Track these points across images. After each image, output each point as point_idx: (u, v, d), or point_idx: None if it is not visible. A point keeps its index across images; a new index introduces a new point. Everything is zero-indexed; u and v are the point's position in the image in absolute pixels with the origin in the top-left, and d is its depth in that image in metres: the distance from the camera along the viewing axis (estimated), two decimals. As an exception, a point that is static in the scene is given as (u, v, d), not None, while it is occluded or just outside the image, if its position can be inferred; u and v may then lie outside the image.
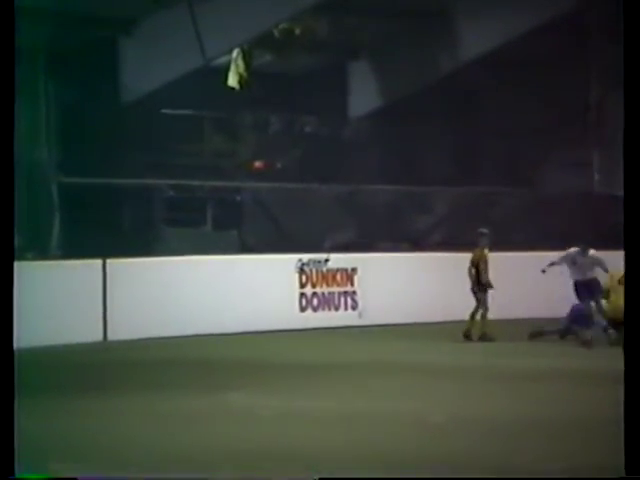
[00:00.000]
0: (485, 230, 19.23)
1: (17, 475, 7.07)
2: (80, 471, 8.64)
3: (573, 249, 18.74)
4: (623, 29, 7.37)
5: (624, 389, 6.96)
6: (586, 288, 18.31)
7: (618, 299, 16.59)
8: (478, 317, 18.90)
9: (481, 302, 18.88)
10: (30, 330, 16.85)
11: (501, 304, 19.36)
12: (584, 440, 9.80)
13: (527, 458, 9.02)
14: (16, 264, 18.87)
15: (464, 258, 19.55)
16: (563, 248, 19.12)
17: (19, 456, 7.02)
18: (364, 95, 25.68)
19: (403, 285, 21.98)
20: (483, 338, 18.63)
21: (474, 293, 19.01)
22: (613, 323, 17.31)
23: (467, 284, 19.39)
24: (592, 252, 18.66)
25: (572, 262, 18.54)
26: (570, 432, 10.21)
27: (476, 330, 18.79)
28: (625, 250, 7.25)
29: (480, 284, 18.90)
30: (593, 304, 18.30)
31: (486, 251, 19.05)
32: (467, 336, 18.75)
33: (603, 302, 18.27)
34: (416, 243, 24.39)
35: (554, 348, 17.55)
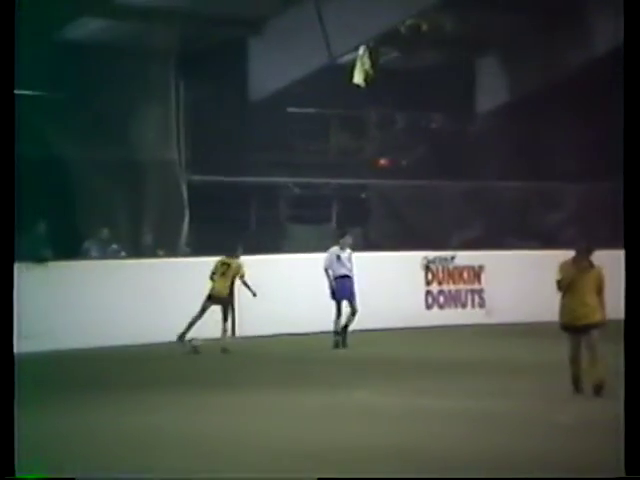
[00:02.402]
0: None
1: (17, 475, 7.15)
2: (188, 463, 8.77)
3: None
4: (624, 29, 7.36)
5: (624, 389, 6.91)
6: None
7: None
8: None
9: None
10: (163, 326, 17.23)
11: None
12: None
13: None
14: (147, 262, 19.38)
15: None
16: None
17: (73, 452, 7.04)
18: (491, 91, 25.39)
19: (531, 283, 21.65)
20: None
21: None
22: None
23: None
24: None
25: None
26: None
27: None
28: (625, 250, 7.17)
29: None
30: None
31: None
32: None
33: None
34: (545, 240, 24.01)
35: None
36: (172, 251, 20.84)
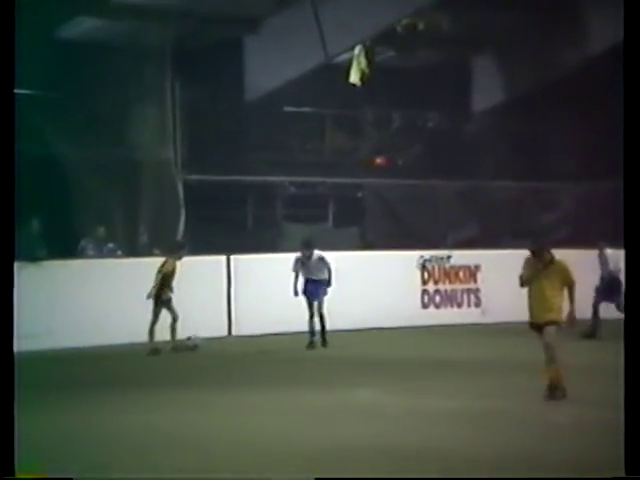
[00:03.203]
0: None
1: (17, 475, 7.14)
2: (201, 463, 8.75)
3: None
4: (624, 27, 7.36)
5: (624, 388, 6.91)
6: None
7: None
8: None
9: None
10: (159, 325, 17.20)
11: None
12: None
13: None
14: (143, 260, 19.39)
15: (590, 255, 19.21)
16: None
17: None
18: (488, 90, 25.40)
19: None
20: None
21: None
22: None
23: (594, 282, 19.08)
24: None
25: None
26: None
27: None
28: (625, 250, 7.17)
29: None
30: None
31: None
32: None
33: None
34: (541, 240, 23.97)
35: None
36: (168, 250, 20.80)
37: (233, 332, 19.44)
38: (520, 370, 14.80)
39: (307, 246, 18.12)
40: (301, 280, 17.86)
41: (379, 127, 25.72)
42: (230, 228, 21.96)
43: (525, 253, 23.54)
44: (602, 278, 19.21)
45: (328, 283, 17.95)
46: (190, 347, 17.39)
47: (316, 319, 17.85)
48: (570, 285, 12.10)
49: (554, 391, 11.78)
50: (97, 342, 17.45)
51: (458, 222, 24.42)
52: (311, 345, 17.63)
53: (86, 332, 17.60)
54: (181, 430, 10.56)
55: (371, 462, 8.98)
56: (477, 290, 22.11)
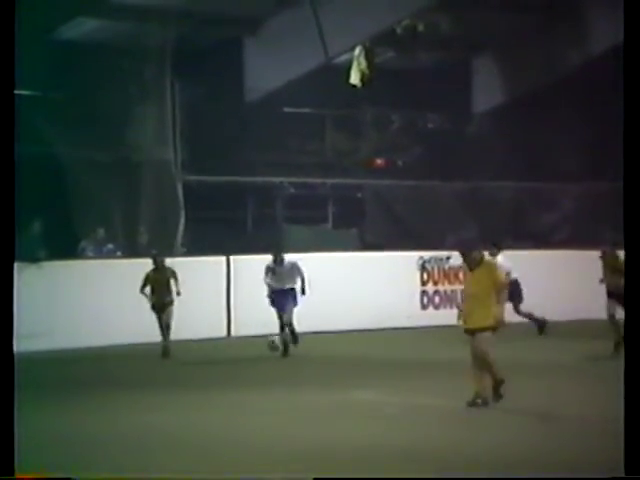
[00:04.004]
0: None
1: (17, 475, 7.14)
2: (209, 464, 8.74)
3: None
4: (624, 28, 7.37)
5: (624, 389, 6.91)
6: None
7: None
8: None
9: None
10: (156, 326, 17.20)
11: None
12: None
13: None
14: (143, 261, 19.28)
15: (590, 256, 19.17)
16: None
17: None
18: (488, 91, 25.41)
19: (527, 283, 21.64)
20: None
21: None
22: None
23: (593, 282, 19.04)
24: None
25: None
26: None
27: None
28: (625, 250, 7.17)
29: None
30: None
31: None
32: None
33: None
34: (541, 240, 24.03)
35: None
36: (168, 251, 20.81)
37: (232, 333, 19.43)
38: (519, 370, 14.80)
39: (278, 252, 17.20)
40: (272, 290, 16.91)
41: (379, 128, 25.72)
42: (230, 229, 21.96)
43: (525, 254, 23.59)
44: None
45: (302, 292, 16.87)
46: (275, 348, 16.62)
47: (286, 330, 16.76)
48: (499, 287, 11.54)
49: (476, 400, 11.38)
50: (97, 342, 17.46)
51: (458, 223, 24.41)
52: (285, 354, 16.64)
53: (86, 332, 17.61)
54: (181, 430, 10.56)
55: (370, 462, 8.98)
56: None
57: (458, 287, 22.05)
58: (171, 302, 17.05)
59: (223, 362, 16.52)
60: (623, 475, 6.97)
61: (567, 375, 14.26)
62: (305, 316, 18.43)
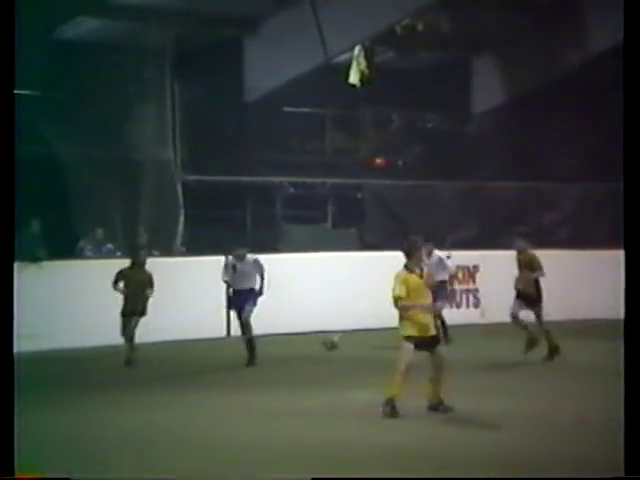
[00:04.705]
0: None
1: (17, 475, 7.14)
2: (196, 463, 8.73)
3: None
4: (624, 27, 7.36)
5: (624, 388, 6.91)
6: None
7: None
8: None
9: None
10: (155, 326, 17.19)
11: None
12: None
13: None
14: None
15: (591, 256, 19.20)
16: None
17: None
18: (488, 91, 25.41)
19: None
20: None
21: None
22: None
23: (593, 282, 19.07)
24: None
25: None
26: None
27: None
28: (625, 250, 7.16)
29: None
30: None
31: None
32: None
33: None
34: (540, 241, 24.00)
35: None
36: (167, 251, 20.81)
37: (232, 333, 19.41)
38: (519, 370, 14.82)
39: (239, 247, 16.31)
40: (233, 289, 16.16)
41: (379, 127, 25.73)
42: (229, 229, 21.94)
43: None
44: None
45: (260, 292, 15.95)
46: (332, 346, 15.67)
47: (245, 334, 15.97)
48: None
49: (437, 407, 11.23)
50: (97, 342, 17.43)
51: (458, 223, 24.40)
52: (250, 362, 15.85)
53: (86, 332, 17.59)
54: (181, 430, 10.56)
55: (370, 462, 8.98)
56: (476, 291, 22.10)
57: (458, 287, 22.07)
58: (143, 311, 16.05)
59: (223, 362, 16.50)
60: (623, 475, 6.97)
61: (567, 375, 14.26)
62: (305, 316, 18.50)
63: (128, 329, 16.04)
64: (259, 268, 16.07)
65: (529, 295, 16.41)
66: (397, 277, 11.41)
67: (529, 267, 16.51)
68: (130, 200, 20.82)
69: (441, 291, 17.16)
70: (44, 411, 11.53)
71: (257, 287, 16.00)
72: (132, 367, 15.76)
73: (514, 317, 16.29)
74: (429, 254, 17.14)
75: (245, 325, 16.01)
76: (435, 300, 16.05)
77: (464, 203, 24.67)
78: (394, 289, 11.33)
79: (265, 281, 16.04)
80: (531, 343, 16.09)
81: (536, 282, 16.51)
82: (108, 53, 20.58)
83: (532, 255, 16.66)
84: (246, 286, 15.99)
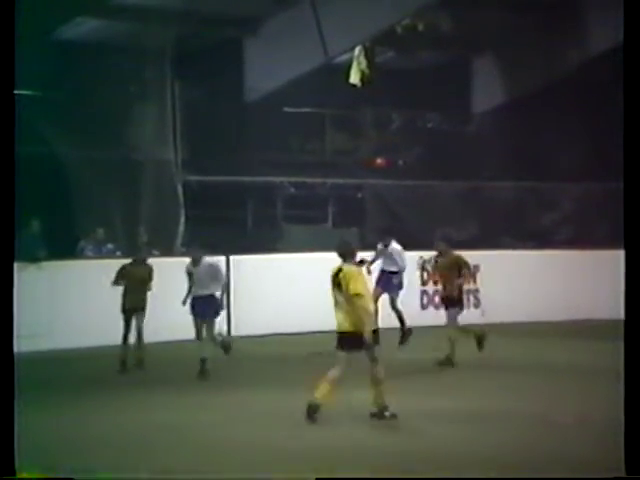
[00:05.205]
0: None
1: (17, 475, 7.15)
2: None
3: None
4: (624, 27, 7.37)
5: (624, 389, 6.91)
6: None
7: None
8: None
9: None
10: (156, 326, 17.19)
11: None
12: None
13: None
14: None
15: (591, 256, 19.21)
16: None
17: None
18: (488, 91, 25.42)
19: (527, 283, 21.69)
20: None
21: None
22: None
23: (593, 282, 19.07)
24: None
25: None
26: None
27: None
28: (625, 250, 7.17)
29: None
30: None
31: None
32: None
33: None
34: (541, 241, 24.04)
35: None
36: (168, 251, 20.82)
37: (233, 333, 19.42)
38: (519, 370, 14.82)
39: (194, 250, 15.33)
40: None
41: (379, 127, 25.73)
42: (230, 229, 21.95)
43: (524, 254, 23.55)
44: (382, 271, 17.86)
45: (219, 302, 14.79)
46: (226, 347, 15.34)
47: (208, 344, 14.91)
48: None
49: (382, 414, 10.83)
50: (97, 342, 17.44)
51: (458, 223, 24.41)
52: (202, 374, 14.64)
53: (86, 332, 17.60)
54: (181, 430, 10.56)
55: (370, 462, 8.98)
56: (476, 291, 22.10)
57: (458, 287, 22.08)
58: (144, 307, 15.70)
59: (223, 362, 16.49)
60: (623, 475, 6.98)
61: (567, 375, 14.26)
62: (305, 316, 18.50)
63: (137, 324, 15.58)
64: (217, 273, 14.86)
65: (452, 298, 15.96)
66: (359, 273, 11.25)
67: (453, 268, 15.84)
68: (130, 200, 20.83)
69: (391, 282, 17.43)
70: (44, 411, 11.53)
71: (217, 294, 14.80)
72: (141, 368, 15.45)
73: (453, 327, 15.72)
74: (386, 247, 17.75)
75: (210, 337, 14.90)
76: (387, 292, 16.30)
77: (464, 203, 24.67)
78: (357, 286, 11.10)
79: (224, 289, 14.93)
80: (480, 339, 15.83)
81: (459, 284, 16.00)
82: (108, 53, 20.59)
83: (456, 256, 15.99)
84: (203, 293, 14.75)
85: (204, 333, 14.92)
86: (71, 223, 20.43)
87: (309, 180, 23.99)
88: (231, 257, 19.76)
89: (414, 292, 21.62)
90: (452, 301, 15.94)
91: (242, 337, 18.99)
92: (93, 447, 9.77)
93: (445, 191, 24.57)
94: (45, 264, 17.98)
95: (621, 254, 7.54)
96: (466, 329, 15.99)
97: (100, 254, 20.28)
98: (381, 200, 24.57)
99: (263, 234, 22.57)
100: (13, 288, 7.31)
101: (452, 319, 15.90)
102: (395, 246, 18.16)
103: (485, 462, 8.92)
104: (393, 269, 18.02)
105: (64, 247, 19.58)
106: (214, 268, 14.90)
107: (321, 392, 10.87)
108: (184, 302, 15.07)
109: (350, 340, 10.86)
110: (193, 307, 14.98)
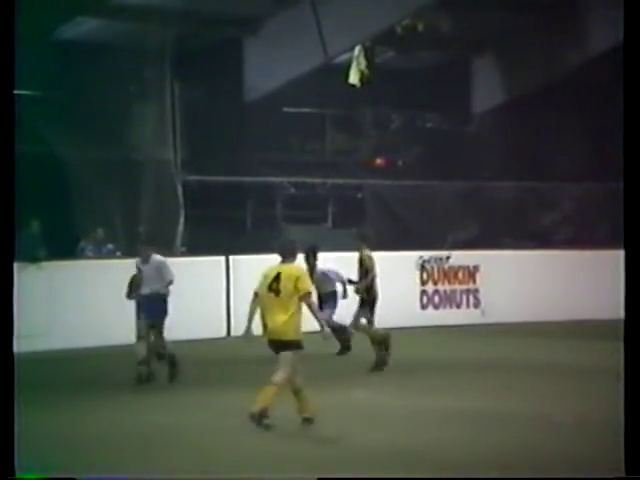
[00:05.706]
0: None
1: (17, 475, 7.15)
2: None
3: None
4: (624, 27, 7.37)
5: (624, 389, 6.92)
6: None
7: None
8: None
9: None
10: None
11: None
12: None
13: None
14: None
15: (591, 256, 19.21)
16: None
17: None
18: (488, 90, 25.43)
19: (527, 283, 21.69)
20: None
21: None
22: None
23: (593, 282, 19.07)
24: None
25: None
26: None
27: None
28: (625, 250, 7.17)
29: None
30: None
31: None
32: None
33: None
34: (541, 241, 24.05)
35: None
36: (168, 251, 20.81)
37: (232, 333, 19.41)
38: (519, 370, 14.83)
39: (145, 244, 14.54)
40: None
41: (379, 127, 25.73)
42: (229, 229, 21.95)
43: (524, 254, 23.57)
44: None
45: (163, 299, 14.04)
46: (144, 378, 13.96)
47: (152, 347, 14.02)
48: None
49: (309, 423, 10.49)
50: (97, 342, 17.44)
51: (458, 223, 24.42)
52: (140, 379, 13.80)
53: (86, 332, 17.60)
54: (181, 430, 10.56)
55: (370, 462, 8.98)
56: (476, 291, 22.11)
57: (458, 287, 22.09)
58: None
59: (223, 362, 16.50)
60: (623, 475, 6.98)
61: (567, 375, 14.26)
62: (305, 316, 18.39)
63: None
64: (164, 271, 14.07)
65: (364, 297, 15.41)
66: (304, 272, 11.07)
67: (365, 267, 15.37)
68: (130, 200, 20.83)
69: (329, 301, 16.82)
70: (44, 411, 11.54)
71: (164, 293, 14.06)
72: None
73: (355, 325, 15.40)
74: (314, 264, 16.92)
75: (157, 344, 14.05)
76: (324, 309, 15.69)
77: (464, 203, 24.68)
78: (308, 283, 10.91)
79: (170, 287, 14.12)
80: (383, 341, 15.42)
81: (371, 283, 15.35)
82: (108, 53, 20.59)
83: (365, 255, 15.44)
84: (148, 291, 14.02)
85: (151, 337, 14.10)
86: (71, 223, 20.44)
87: (309, 180, 23.99)
88: (230, 257, 19.77)
89: (414, 292, 21.62)
90: (366, 300, 15.54)
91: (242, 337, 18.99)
92: (93, 447, 9.77)
93: (445, 191, 24.58)
94: (45, 264, 17.98)
95: (621, 254, 7.53)
96: (368, 330, 15.49)
97: (100, 254, 20.28)
98: (381, 200, 24.58)
99: (263, 234, 22.56)
100: (13, 288, 7.31)
101: (356, 318, 15.45)
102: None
103: (486, 462, 8.92)
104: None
105: (64, 247, 19.57)
106: (161, 266, 14.11)
107: (264, 397, 10.58)
108: (128, 296, 14.47)
109: (279, 343, 10.88)
110: (139, 306, 14.33)
